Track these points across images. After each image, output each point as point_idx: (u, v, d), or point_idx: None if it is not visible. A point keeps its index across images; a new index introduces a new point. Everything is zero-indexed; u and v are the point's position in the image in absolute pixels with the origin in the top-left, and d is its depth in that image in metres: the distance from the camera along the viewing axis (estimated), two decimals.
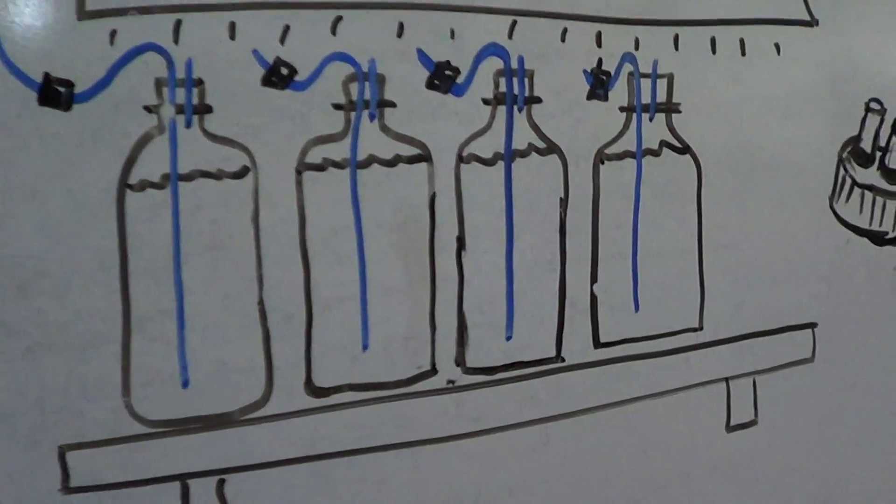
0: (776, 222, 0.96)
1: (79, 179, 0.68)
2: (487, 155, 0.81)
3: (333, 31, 0.74)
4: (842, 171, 0.98)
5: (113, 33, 0.68)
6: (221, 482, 0.75)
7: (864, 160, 0.99)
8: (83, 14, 0.67)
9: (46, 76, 0.67)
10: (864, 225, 1.01)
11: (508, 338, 0.84)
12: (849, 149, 0.98)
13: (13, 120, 0.66)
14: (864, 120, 0.99)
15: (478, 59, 0.80)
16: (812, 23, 0.95)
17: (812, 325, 1.00)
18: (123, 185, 0.70)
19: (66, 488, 0.71)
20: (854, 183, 0.99)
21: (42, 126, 0.67)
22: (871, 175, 1.00)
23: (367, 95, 0.76)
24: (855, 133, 0.99)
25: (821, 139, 0.98)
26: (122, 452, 0.72)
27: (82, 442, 0.71)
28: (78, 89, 0.68)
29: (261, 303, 0.75)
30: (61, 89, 0.67)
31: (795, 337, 1.00)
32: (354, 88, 0.76)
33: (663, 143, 0.88)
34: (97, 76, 0.68)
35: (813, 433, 1.03)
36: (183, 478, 0.74)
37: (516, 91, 0.81)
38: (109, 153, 0.69)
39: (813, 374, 1.01)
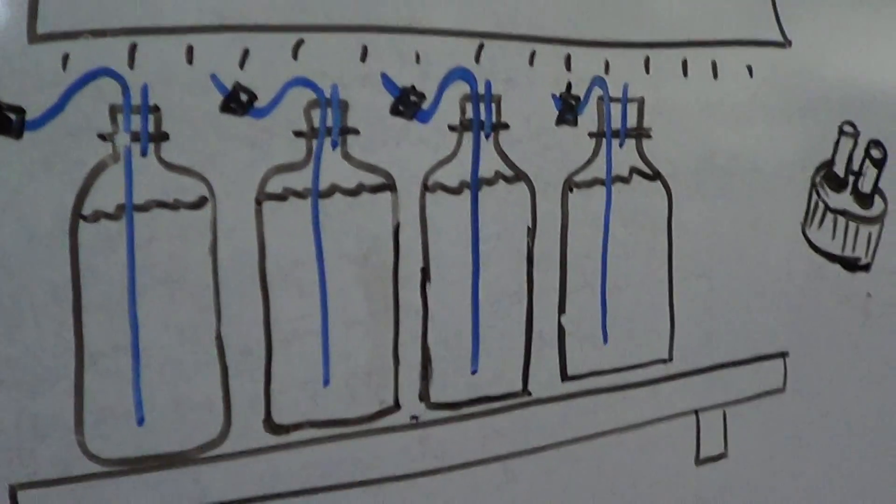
0: (748, 249, 0.97)
1: (30, 209, 0.68)
2: (453, 183, 0.81)
3: (295, 56, 0.74)
4: (814, 197, 0.99)
5: (65, 57, 0.68)
6: None
7: (837, 184, 1.00)
8: (34, 37, 0.67)
9: None
10: (837, 251, 1.02)
11: (474, 371, 0.84)
12: (822, 173, 0.99)
13: None
14: (837, 143, 1.00)
15: (444, 84, 0.80)
16: (785, 44, 0.96)
17: (783, 355, 1.01)
18: (77, 216, 0.69)
19: None
20: (827, 208, 1.00)
21: None
22: (844, 200, 1.01)
23: (330, 122, 0.76)
24: (828, 157, 1.00)
25: (794, 163, 0.98)
26: (76, 492, 0.72)
27: (34, 481, 0.71)
28: (29, 116, 0.67)
29: (219, 337, 0.74)
30: (11, 116, 0.67)
31: (766, 367, 1.00)
32: (316, 115, 0.76)
33: (633, 170, 0.89)
34: (49, 102, 0.68)
35: (784, 465, 1.03)
36: None
37: (483, 117, 0.81)
38: (62, 182, 0.69)
39: (784, 404, 1.02)
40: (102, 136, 0.70)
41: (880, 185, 1.05)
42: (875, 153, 1.03)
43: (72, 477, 0.72)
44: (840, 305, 1.05)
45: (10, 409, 0.69)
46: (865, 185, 1.03)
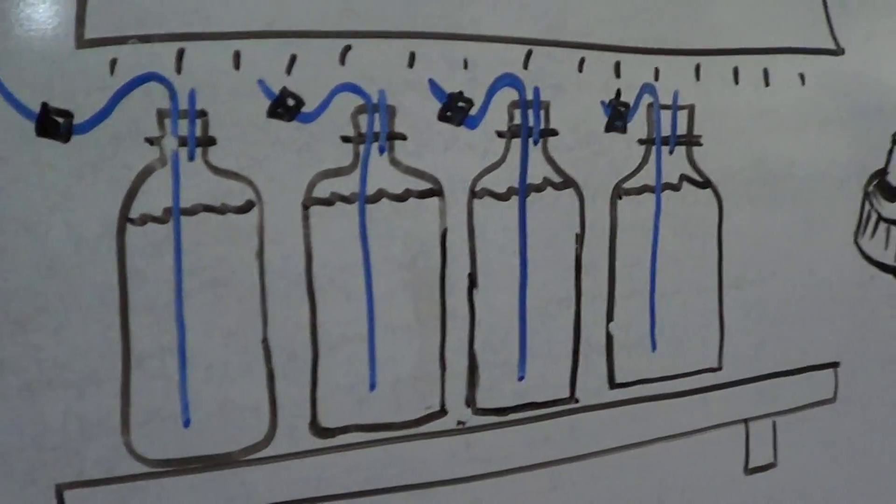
0: (799, 258, 0.95)
1: (78, 213, 0.68)
2: (501, 189, 0.80)
3: (342, 61, 0.74)
4: (867, 206, 0.96)
5: (113, 62, 0.68)
6: None
7: (891, 194, 0.97)
8: (82, 42, 0.67)
9: (44, 106, 0.66)
10: (890, 261, 0.99)
11: (521, 378, 0.83)
12: (875, 182, 0.96)
13: (10, 151, 0.66)
14: (890, 152, 0.97)
15: (492, 90, 0.79)
16: (838, 52, 0.93)
17: (834, 365, 0.99)
18: (124, 219, 0.69)
19: None
20: (879, 217, 0.97)
21: (40, 157, 0.67)
22: None
23: (377, 127, 0.75)
24: (881, 166, 0.97)
25: (846, 172, 0.96)
26: (121, 492, 0.72)
27: (80, 480, 0.71)
28: (77, 120, 0.67)
29: (265, 341, 0.74)
30: (60, 120, 0.67)
31: (817, 377, 0.98)
32: (364, 120, 0.75)
33: (683, 178, 0.87)
34: (97, 106, 0.68)
35: (834, 475, 1.01)
36: None
37: (531, 123, 0.80)
38: (110, 186, 0.69)
39: (835, 414, 0.99)
40: (150, 141, 0.69)
41: None
42: None
43: (118, 477, 0.72)
44: (893, 315, 1.02)
45: (57, 410, 0.69)
46: None
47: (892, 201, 0.98)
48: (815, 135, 0.93)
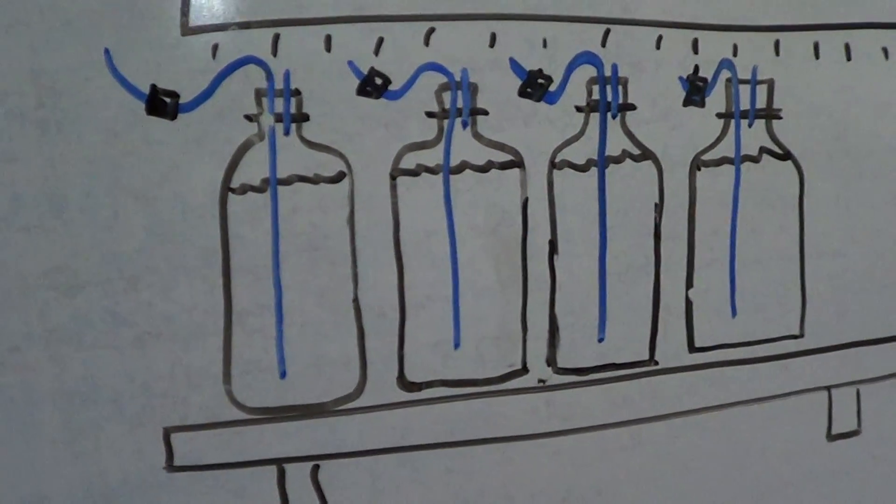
0: (885, 229, 0.90)
1: (184, 183, 0.71)
2: (580, 161, 0.80)
3: (426, 42, 0.75)
4: None
5: (215, 47, 0.70)
6: (316, 468, 0.77)
7: None
8: (187, 30, 0.70)
9: (153, 88, 0.69)
10: None
11: (601, 340, 0.82)
12: None
13: (123, 128, 0.69)
14: None
15: (570, 68, 0.78)
16: None
17: None
18: (226, 189, 0.72)
19: (171, 467, 0.74)
20: None
21: (150, 134, 0.70)
22: None
23: (460, 104, 0.76)
24: None
25: None
26: (223, 436, 0.75)
27: (185, 425, 0.74)
28: (183, 100, 0.70)
29: (356, 300, 0.76)
30: (167, 100, 0.70)
31: None
32: (447, 97, 0.75)
33: (763, 150, 0.84)
34: (201, 87, 0.70)
35: None
36: (279, 462, 0.76)
37: (609, 98, 0.79)
38: (212, 159, 0.71)
39: None
40: (248, 118, 0.71)
41: None
42: None
43: (219, 422, 0.74)
44: None
45: (165, 361, 0.73)
46: None
47: None
48: None
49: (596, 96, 0.78)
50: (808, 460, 0.91)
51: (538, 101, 0.77)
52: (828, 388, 0.90)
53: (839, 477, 0.93)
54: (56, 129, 0.68)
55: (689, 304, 0.84)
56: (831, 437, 0.91)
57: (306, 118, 0.72)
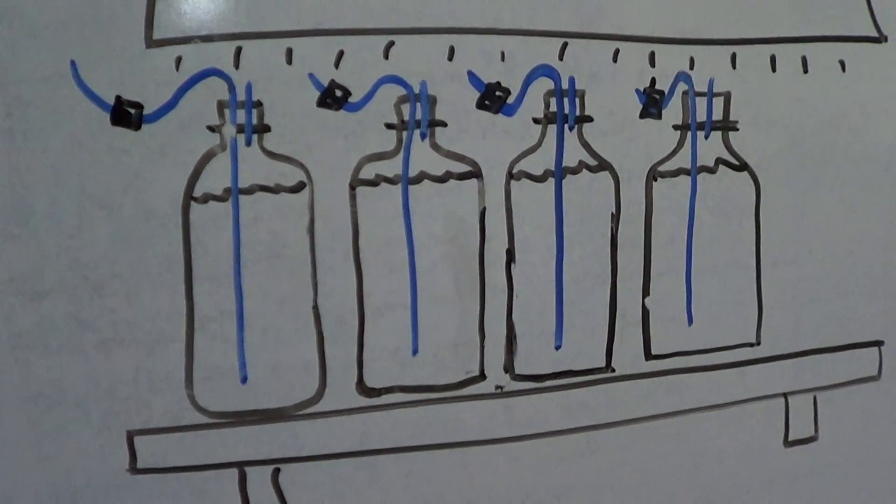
0: (840, 238, 0.93)
1: (148, 192, 0.74)
2: (538, 172, 0.82)
3: (386, 55, 0.77)
4: None
5: (178, 60, 0.73)
6: (277, 471, 0.80)
7: None
8: (151, 42, 0.72)
9: (118, 99, 0.72)
10: None
11: (558, 347, 0.85)
12: None
13: (88, 138, 0.72)
14: None
15: (528, 81, 0.81)
16: (880, 39, 0.91)
17: (879, 343, 0.96)
18: (188, 198, 0.74)
19: (134, 469, 0.77)
20: None
21: (114, 144, 0.72)
22: None
23: (419, 115, 0.78)
24: None
25: (890, 155, 0.93)
26: (185, 439, 0.78)
27: (149, 428, 0.77)
28: (147, 111, 0.73)
29: (315, 307, 0.78)
30: (131, 111, 0.72)
31: (860, 354, 0.96)
32: (406, 109, 0.78)
33: (719, 161, 0.87)
34: (164, 99, 0.73)
35: (877, 451, 0.99)
36: (240, 465, 0.79)
37: (567, 110, 0.82)
38: (175, 169, 0.74)
39: (879, 392, 0.97)
40: (211, 128, 0.74)
41: None
42: None
43: (182, 426, 0.77)
44: None
45: (129, 365, 0.75)
46: None
47: None
48: (856, 120, 0.91)
49: (553, 108, 0.81)
50: (766, 466, 0.94)
51: (496, 113, 0.79)
52: (784, 395, 0.93)
53: (796, 482, 0.95)
54: (23, 139, 0.70)
55: (645, 312, 0.86)
56: (788, 444, 0.94)
57: (267, 129, 0.75)
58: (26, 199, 0.71)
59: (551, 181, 0.82)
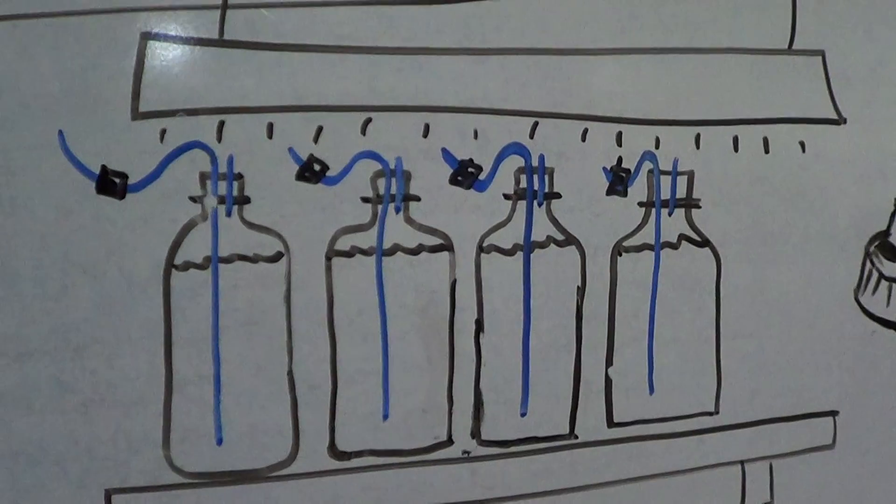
0: (798, 313, 0.98)
1: (130, 259, 0.78)
2: (507, 245, 0.87)
3: (363, 132, 0.82)
4: (868, 265, 0.99)
5: (163, 132, 0.77)
6: None
7: (893, 254, 1.00)
8: (137, 115, 0.77)
9: (104, 168, 0.76)
10: (892, 317, 1.02)
11: (523, 414, 0.89)
12: (876, 243, 0.99)
13: (74, 206, 0.76)
14: (893, 215, 1.00)
15: (500, 158, 0.86)
16: (839, 121, 0.97)
17: (833, 413, 1.01)
18: (170, 265, 0.79)
19: None
20: (881, 276, 1.00)
21: (99, 212, 0.77)
22: None
23: (394, 190, 0.83)
24: (883, 228, 1.00)
25: (847, 233, 0.99)
26: (162, 499, 0.81)
27: (126, 487, 0.80)
28: (131, 180, 0.77)
29: (290, 373, 0.83)
30: (116, 180, 0.77)
31: (815, 424, 1.01)
32: (382, 183, 0.83)
33: (682, 237, 0.92)
34: (148, 169, 0.77)
35: None
36: None
37: (536, 187, 0.87)
38: (158, 237, 0.78)
39: (833, 460, 1.02)
40: (193, 199, 0.79)
41: None
42: None
43: (158, 486, 0.81)
44: (895, 369, 1.03)
45: (108, 426, 0.79)
46: None
47: (894, 261, 1.00)
48: (815, 199, 0.97)
49: (523, 185, 0.86)
50: None
51: (468, 188, 0.84)
52: (741, 463, 0.97)
53: None
54: (10, 206, 0.75)
55: (608, 381, 0.91)
56: None
57: (247, 200, 0.79)
58: (12, 263, 0.75)
59: (520, 255, 0.87)
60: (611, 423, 0.92)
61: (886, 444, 1.05)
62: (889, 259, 1.00)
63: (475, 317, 0.87)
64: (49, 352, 0.77)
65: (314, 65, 0.80)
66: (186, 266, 0.79)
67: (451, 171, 0.84)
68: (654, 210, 0.91)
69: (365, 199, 0.82)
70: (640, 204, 0.90)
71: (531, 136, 0.86)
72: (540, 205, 0.87)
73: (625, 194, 0.90)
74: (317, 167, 0.81)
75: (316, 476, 0.84)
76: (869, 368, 1.02)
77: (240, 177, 0.79)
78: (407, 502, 0.87)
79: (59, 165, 0.75)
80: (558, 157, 0.87)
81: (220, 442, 0.81)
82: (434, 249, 0.84)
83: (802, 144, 0.95)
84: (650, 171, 0.90)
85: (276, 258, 0.81)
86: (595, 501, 0.93)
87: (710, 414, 0.96)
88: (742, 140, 0.93)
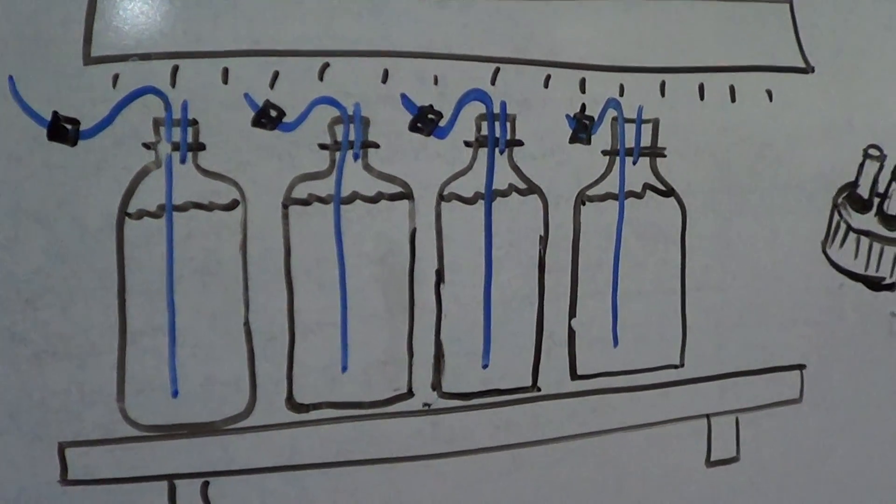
0: (764, 265, 1.01)
1: (83, 207, 0.80)
2: (468, 194, 0.89)
3: (321, 77, 0.84)
4: (836, 217, 1.02)
5: (115, 77, 0.79)
6: (206, 484, 0.86)
7: (861, 206, 1.03)
8: (89, 60, 0.79)
9: (55, 115, 0.78)
10: (860, 270, 1.05)
11: (485, 366, 0.92)
12: (844, 194, 1.02)
13: (25, 153, 0.78)
14: (861, 166, 1.03)
15: (460, 104, 0.88)
16: (807, 70, 0.99)
17: (801, 367, 1.04)
18: (123, 214, 0.81)
19: (65, 481, 0.82)
20: (849, 228, 1.03)
21: (50, 159, 0.79)
22: (868, 221, 1.04)
23: (352, 136, 0.85)
24: (851, 179, 1.03)
25: (814, 184, 1.01)
26: (116, 452, 0.83)
27: (80, 440, 0.82)
28: (83, 127, 0.79)
29: (246, 324, 0.85)
30: (68, 126, 0.79)
31: (783, 378, 1.04)
32: (339, 130, 0.85)
33: (647, 186, 0.95)
34: (101, 115, 0.79)
35: (798, 472, 1.07)
36: (170, 478, 0.85)
37: (498, 134, 0.89)
38: (111, 184, 0.80)
39: (800, 414, 1.05)
40: (146, 146, 0.81)
41: None
42: None
43: (113, 439, 0.83)
44: (862, 322, 1.07)
45: (61, 378, 0.81)
46: (892, 207, 1.04)
47: (863, 213, 1.03)
48: (782, 149, 0.99)
49: (484, 132, 0.88)
50: (688, 486, 1.01)
51: (428, 135, 0.86)
52: (707, 417, 1.00)
53: (718, 502, 1.03)
54: None
55: (571, 333, 0.93)
56: (710, 464, 1.01)
57: (202, 147, 0.81)
58: None
59: (481, 203, 0.89)
60: (574, 376, 0.95)
61: (854, 398, 1.08)
62: (857, 211, 1.03)
63: (435, 266, 0.89)
64: (0, 303, 0.79)
65: (270, 8, 0.82)
66: (140, 214, 0.80)
67: (410, 117, 0.86)
68: (618, 158, 0.93)
69: (322, 146, 0.84)
70: (604, 152, 0.93)
71: (493, 83, 0.88)
72: (501, 152, 0.89)
73: (588, 142, 0.92)
74: (273, 113, 0.82)
75: (273, 429, 0.86)
76: (837, 321, 1.05)
77: (194, 123, 0.81)
78: (366, 455, 0.89)
79: (9, 111, 0.77)
80: (520, 103, 0.89)
81: (175, 394, 0.83)
82: (393, 197, 0.86)
83: (769, 93, 0.98)
84: (614, 119, 0.92)
85: (231, 206, 0.82)
86: (558, 455, 0.95)
87: (676, 367, 0.98)
88: (708, 88, 0.95)
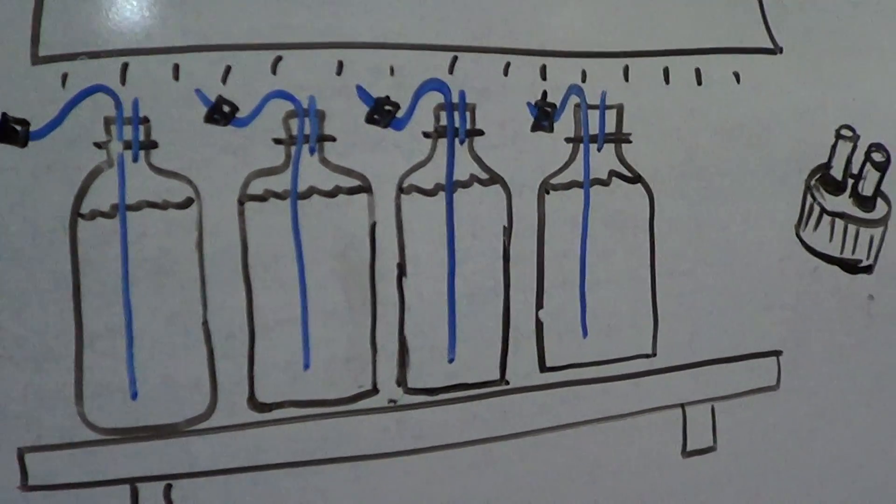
0: (736, 250, 1.01)
1: (34, 209, 0.80)
2: (428, 186, 0.89)
3: (274, 71, 0.84)
4: (809, 199, 1.02)
5: (64, 76, 0.80)
6: (168, 487, 0.86)
7: (835, 188, 1.03)
8: (37, 59, 0.79)
9: (4, 116, 0.78)
10: (835, 253, 1.05)
11: (451, 360, 0.92)
12: (817, 176, 1.02)
13: None
14: (834, 147, 1.03)
15: (418, 95, 0.88)
16: (775, 51, 1.00)
17: (777, 353, 1.05)
18: (75, 214, 0.81)
19: (25, 486, 0.83)
20: (823, 210, 1.03)
21: (0, 161, 0.79)
22: (843, 203, 1.04)
23: (307, 130, 0.85)
24: (824, 161, 1.03)
25: (786, 167, 1.02)
26: (76, 456, 0.83)
27: (39, 445, 0.83)
28: (33, 127, 0.79)
29: (205, 323, 0.85)
30: (18, 127, 0.79)
31: (758, 364, 1.04)
32: (294, 124, 0.85)
33: (613, 173, 0.95)
34: (50, 115, 0.79)
35: (776, 461, 1.07)
36: (132, 481, 0.85)
37: (457, 124, 0.89)
38: (62, 185, 0.80)
39: (777, 402, 1.06)
40: (98, 145, 0.81)
41: (883, 188, 1.06)
42: (877, 156, 1.05)
43: (72, 443, 0.83)
44: (840, 306, 1.07)
45: (18, 382, 0.82)
46: (866, 189, 1.05)
47: (836, 195, 1.03)
48: (752, 132, 0.99)
49: (443, 122, 0.88)
50: (664, 477, 1.01)
51: (385, 127, 0.87)
52: (682, 406, 1.01)
53: (695, 493, 1.03)
54: None
55: (539, 324, 0.94)
56: (686, 454, 1.02)
57: (155, 145, 0.81)
58: None
59: (442, 195, 0.89)
60: (543, 368, 0.95)
61: (832, 384, 1.08)
62: (830, 193, 1.03)
63: (397, 260, 0.89)
64: None
65: (220, 2, 0.82)
66: (93, 215, 0.81)
67: (367, 109, 0.86)
68: (582, 146, 0.93)
69: (277, 141, 0.84)
70: (568, 140, 0.93)
71: (450, 72, 0.88)
72: (462, 142, 0.89)
73: (551, 130, 0.92)
74: (226, 109, 0.83)
75: (236, 429, 0.86)
76: (812, 306, 1.05)
77: (146, 121, 0.81)
78: (332, 454, 0.89)
79: None
80: (479, 92, 0.89)
81: (134, 396, 0.83)
82: (352, 191, 0.87)
83: (737, 75, 0.98)
84: (577, 106, 0.93)
85: (186, 204, 0.83)
86: (528, 449, 0.95)
87: (648, 356, 0.99)
88: (673, 72, 0.96)
